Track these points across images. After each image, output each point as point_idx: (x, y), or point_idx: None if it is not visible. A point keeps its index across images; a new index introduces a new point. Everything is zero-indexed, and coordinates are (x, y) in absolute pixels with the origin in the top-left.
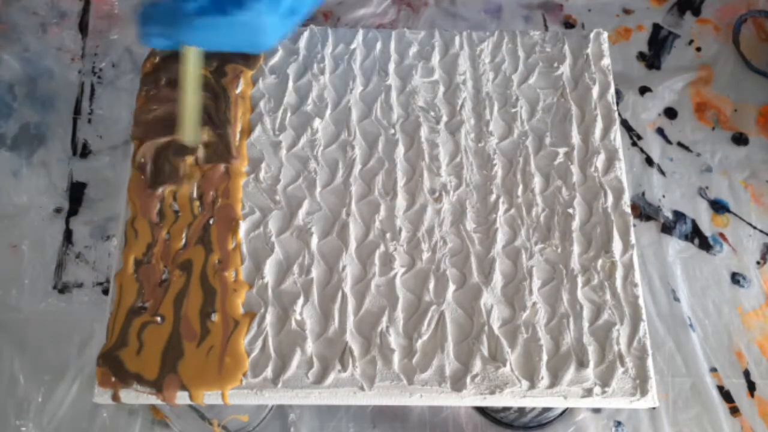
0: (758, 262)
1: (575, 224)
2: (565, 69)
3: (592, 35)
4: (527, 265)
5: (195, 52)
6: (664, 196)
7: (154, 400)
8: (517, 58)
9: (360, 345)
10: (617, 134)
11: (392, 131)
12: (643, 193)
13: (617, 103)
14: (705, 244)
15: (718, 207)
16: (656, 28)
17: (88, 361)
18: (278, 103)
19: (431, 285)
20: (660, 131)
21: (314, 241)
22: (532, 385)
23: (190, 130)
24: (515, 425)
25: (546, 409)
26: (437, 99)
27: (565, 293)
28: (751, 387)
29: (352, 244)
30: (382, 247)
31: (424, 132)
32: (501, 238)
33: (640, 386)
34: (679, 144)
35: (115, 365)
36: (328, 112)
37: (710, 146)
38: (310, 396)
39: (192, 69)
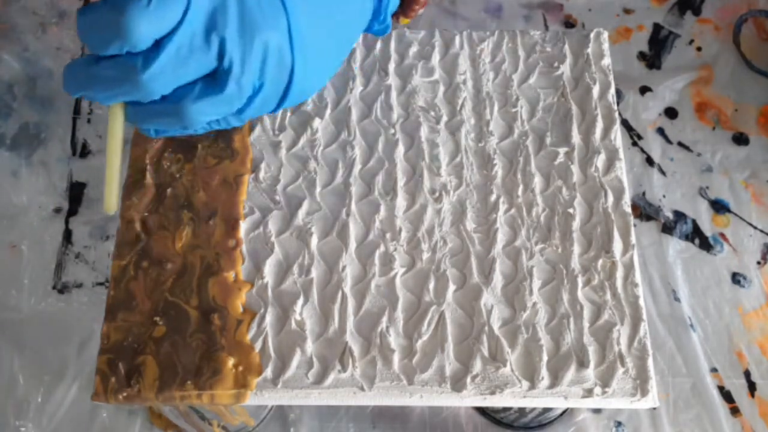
0: (759, 262)
1: (575, 224)
2: (565, 69)
3: (592, 35)
4: (527, 265)
5: (121, 108)
6: (664, 196)
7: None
8: (517, 57)
9: (360, 345)
10: (618, 134)
11: (392, 131)
12: (644, 193)
13: (618, 103)
14: (705, 244)
15: (719, 207)
16: (657, 27)
17: (88, 361)
18: None
19: (431, 285)
20: (660, 131)
21: (314, 241)
22: (533, 386)
23: (112, 197)
24: (515, 425)
25: (546, 410)
26: (437, 99)
27: (566, 293)
28: (752, 387)
29: (352, 244)
30: (382, 247)
31: (424, 132)
32: (501, 238)
33: (641, 386)
34: (680, 144)
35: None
36: (328, 111)
37: (711, 146)
38: (310, 396)
39: (116, 126)
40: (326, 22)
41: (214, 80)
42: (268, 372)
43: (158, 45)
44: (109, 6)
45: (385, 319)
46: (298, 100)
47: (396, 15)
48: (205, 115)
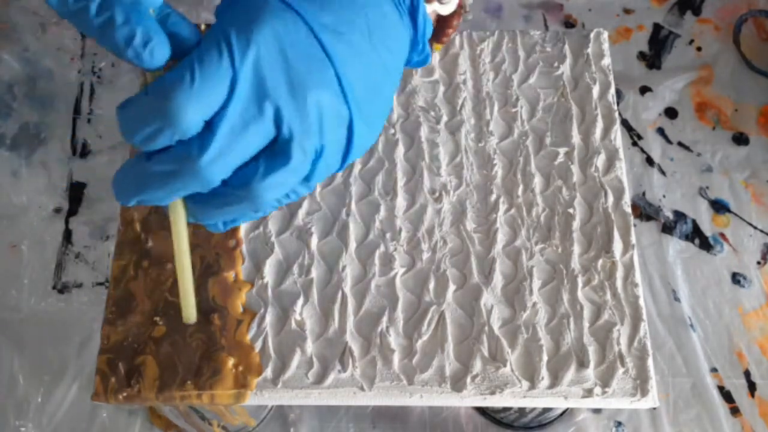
0: (759, 262)
1: (575, 224)
2: (565, 69)
3: (592, 35)
4: (527, 265)
5: (182, 207)
6: (664, 196)
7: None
8: (517, 57)
9: (360, 345)
10: (618, 134)
11: (392, 131)
12: (644, 193)
13: (618, 103)
14: (705, 244)
15: (719, 207)
16: (657, 27)
17: (88, 361)
18: None
19: (431, 285)
20: (660, 131)
21: (314, 241)
22: (533, 386)
23: (189, 307)
24: (515, 425)
25: (546, 410)
26: (437, 99)
27: (566, 293)
28: (752, 387)
29: (352, 244)
30: (382, 247)
31: (424, 132)
32: (501, 238)
33: (641, 386)
34: (680, 144)
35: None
36: None
37: (711, 146)
38: (309, 396)
39: (181, 229)
40: (373, 65)
41: (276, 152)
42: (268, 372)
43: (210, 126)
44: (151, 95)
45: (385, 319)
46: (360, 154)
47: (429, 42)
48: (276, 191)
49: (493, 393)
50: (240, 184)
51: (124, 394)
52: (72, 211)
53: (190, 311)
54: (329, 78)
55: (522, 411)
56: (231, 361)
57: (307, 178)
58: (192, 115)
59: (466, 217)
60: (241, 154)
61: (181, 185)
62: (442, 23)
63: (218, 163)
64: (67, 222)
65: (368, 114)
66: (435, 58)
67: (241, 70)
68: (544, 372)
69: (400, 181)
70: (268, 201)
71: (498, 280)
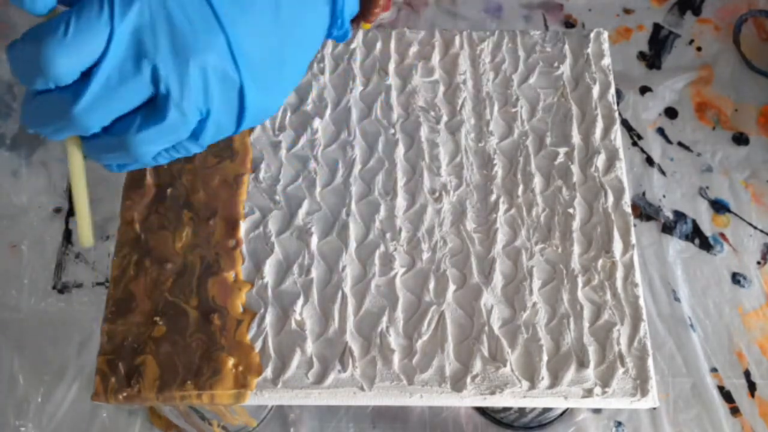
0: (759, 262)
1: (575, 224)
2: (565, 69)
3: (592, 35)
4: (527, 265)
5: (76, 142)
6: (664, 196)
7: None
8: (517, 57)
9: (360, 345)
10: (618, 134)
11: (392, 131)
12: (644, 193)
13: (618, 103)
14: (705, 244)
15: (719, 207)
16: (657, 27)
17: (88, 361)
18: None
19: (431, 285)
20: (660, 131)
21: (314, 241)
22: (533, 386)
23: (86, 233)
24: (515, 425)
25: (546, 410)
26: (437, 99)
27: (566, 293)
28: (752, 387)
29: (352, 244)
30: (382, 247)
31: (424, 132)
32: (501, 238)
33: (641, 386)
34: (680, 144)
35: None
36: (328, 111)
37: (711, 146)
38: (309, 396)
39: (75, 161)
40: (275, 34)
41: (155, 108)
42: (268, 372)
43: (87, 76)
44: (28, 40)
45: (385, 319)
46: (260, 120)
47: (356, 19)
48: (151, 145)
49: (493, 393)
50: (117, 133)
51: (124, 394)
52: (72, 211)
53: (87, 235)
54: (218, 44)
55: (522, 411)
56: (231, 361)
57: (195, 137)
58: (63, 66)
59: (466, 217)
60: (117, 107)
61: (61, 127)
62: (368, 1)
63: (94, 113)
64: (67, 222)
65: (266, 81)
66: (435, 57)
67: (119, 27)
68: (544, 372)
69: (400, 181)
70: (146, 153)
71: (498, 280)
